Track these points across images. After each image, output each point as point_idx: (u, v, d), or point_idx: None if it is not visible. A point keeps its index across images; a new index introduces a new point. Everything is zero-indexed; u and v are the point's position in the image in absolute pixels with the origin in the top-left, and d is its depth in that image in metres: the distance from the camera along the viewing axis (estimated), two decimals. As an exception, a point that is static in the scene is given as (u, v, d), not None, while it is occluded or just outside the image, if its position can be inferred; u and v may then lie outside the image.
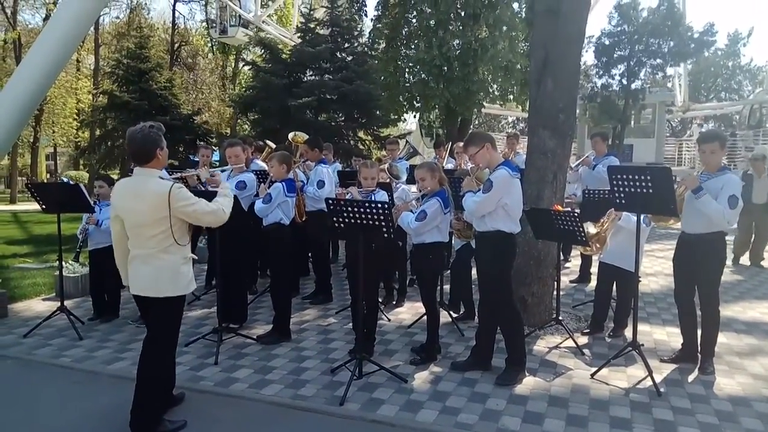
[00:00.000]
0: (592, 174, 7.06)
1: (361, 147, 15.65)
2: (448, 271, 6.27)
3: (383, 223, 4.03)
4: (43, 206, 5.47)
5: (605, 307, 5.40)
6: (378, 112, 15.45)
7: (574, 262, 8.07)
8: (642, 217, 4.83)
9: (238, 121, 28.37)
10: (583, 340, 5.15)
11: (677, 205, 4.30)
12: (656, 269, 8.47)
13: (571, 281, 7.39)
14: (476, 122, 22.07)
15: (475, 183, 4.28)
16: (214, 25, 25.50)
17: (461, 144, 8.22)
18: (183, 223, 3.37)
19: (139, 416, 3.31)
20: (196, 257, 3.57)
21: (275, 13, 25.90)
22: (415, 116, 17.23)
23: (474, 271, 5.21)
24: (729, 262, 7.67)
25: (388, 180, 6.04)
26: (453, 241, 5.72)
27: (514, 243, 4.26)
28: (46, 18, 27.81)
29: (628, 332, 5.03)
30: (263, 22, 23.68)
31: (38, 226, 13.83)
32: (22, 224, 14.78)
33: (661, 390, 4.03)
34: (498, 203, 4.08)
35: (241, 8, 24.18)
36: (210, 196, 4.93)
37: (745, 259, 9.00)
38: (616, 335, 5.19)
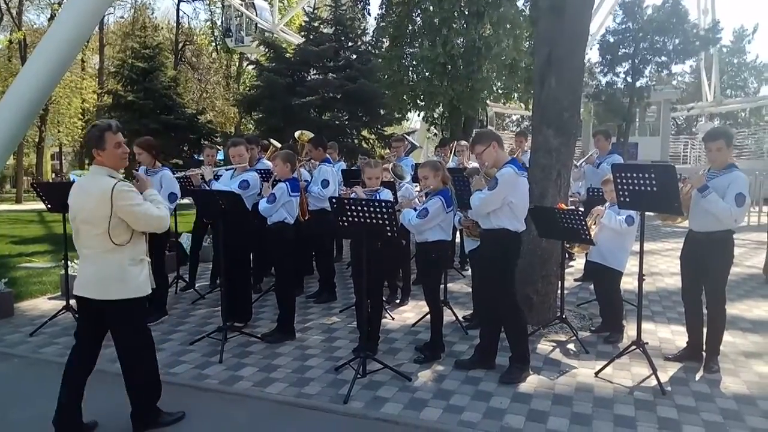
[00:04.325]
0: (596, 172, 7.04)
1: (365, 145, 15.67)
2: (452, 270, 6.27)
3: (386, 222, 4.04)
4: (49, 206, 5.50)
5: None
6: (382, 111, 15.46)
7: (579, 261, 8.05)
8: (625, 216, 4.84)
9: (243, 120, 28.43)
10: (587, 338, 5.15)
11: (684, 203, 4.30)
12: (661, 267, 8.45)
13: (575, 279, 7.38)
14: (485, 120, 21.96)
15: (485, 182, 4.28)
16: (230, 34, 25.49)
17: (463, 142, 8.24)
18: (122, 223, 3.20)
19: (139, 414, 3.42)
20: (149, 259, 3.43)
21: (279, 12, 25.88)
22: (419, 115, 17.21)
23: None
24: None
25: (392, 179, 6.04)
26: (465, 243, 5.70)
27: (518, 241, 4.26)
28: (51, 18, 27.92)
29: (631, 331, 5.00)
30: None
31: (45, 226, 13.90)
32: (27, 224, 14.85)
33: (666, 388, 4.02)
34: (503, 201, 4.08)
35: (257, 17, 24.16)
36: (219, 194, 4.99)
37: None
38: (612, 340, 5.05)
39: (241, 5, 24.52)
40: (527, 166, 5.72)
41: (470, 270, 6.05)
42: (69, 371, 3.35)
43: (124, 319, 3.29)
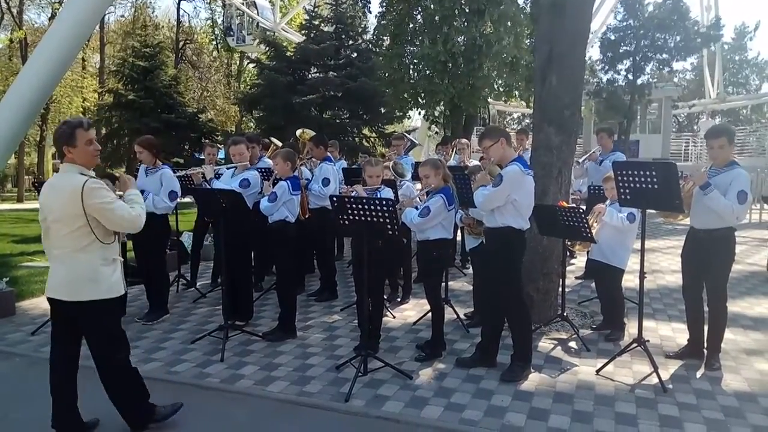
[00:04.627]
0: (599, 169, 7.03)
1: (366, 144, 15.66)
2: (453, 268, 6.25)
3: (387, 220, 4.04)
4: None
5: None
6: (382, 109, 15.44)
7: (580, 259, 8.04)
8: (626, 213, 4.84)
9: (243, 118, 28.42)
10: (588, 336, 5.15)
11: (685, 200, 4.29)
12: (662, 265, 8.44)
13: (576, 277, 7.38)
14: (487, 118, 21.94)
15: (489, 178, 4.27)
16: (232, 33, 25.49)
17: (464, 140, 8.25)
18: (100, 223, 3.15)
19: (130, 415, 3.37)
20: (121, 258, 3.35)
21: (280, 10, 25.83)
22: (420, 113, 17.19)
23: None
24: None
25: (392, 177, 6.04)
26: (466, 241, 5.70)
27: (523, 239, 4.25)
28: (52, 17, 27.91)
29: (632, 329, 5.00)
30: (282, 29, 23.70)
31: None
32: (29, 223, 14.86)
33: (667, 386, 4.03)
34: (507, 198, 4.07)
35: (259, 16, 24.13)
36: (219, 193, 4.99)
37: None
38: (613, 338, 5.04)
39: (243, 4, 24.50)
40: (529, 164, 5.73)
41: (471, 268, 6.04)
42: (54, 375, 3.27)
43: (98, 321, 3.19)
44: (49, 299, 3.23)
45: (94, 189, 3.06)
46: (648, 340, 4.36)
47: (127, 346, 3.39)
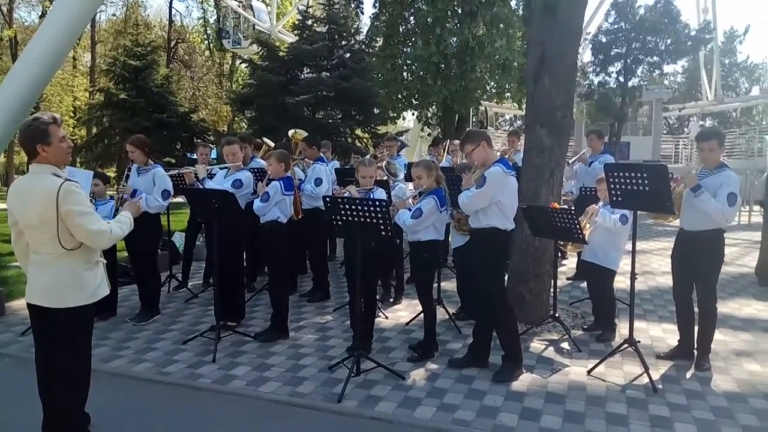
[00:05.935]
0: (588, 171, 7.08)
1: (359, 144, 15.64)
2: (445, 268, 6.26)
3: (381, 221, 4.04)
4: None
5: None
6: (376, 110, 15.45)
7: (571, 260, 8.08)
8: (619, 215, 4.88)
9: (236, 118, 28.33)
10: (580, 336, 5.17)
11: (676, 202, 4.33)
12: (653, 266, 8.49)
13: (568, 278, 7.41)
14: (474, 119, 22.00)
15: (473, 181, 4.30)
16: (227, 35, 25.44)
17: (456, 141, 8.28)
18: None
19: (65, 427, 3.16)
20: (104, 260, 3.22)
21: (277, 13, 25.78)
22: (413, 114, 17.21)
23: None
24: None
25: (385, 178, 6.05)
26: (452, 239, 5.71)
27: (507, 240, 4.28)
28: (43, 15, 27.71)
29: (623, 330, 5.03)
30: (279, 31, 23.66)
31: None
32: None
33: (658, 386, 4.06)
34: (491, 200, 4.09)
35: (255, 18, 24.07)
36: (212, 193, 4.98)
37: None
38: (605, 338, 5.06)
39: (239, 6, 24.43)
40: (520, 165, 5.76)
41: (454, 264, 6.02)
42: (40, 376, 3.16)
43: (76, 326, 3.06)
44: (29, 305, 3.09)
45: (72, 192, 2.88)
46: (639, 341, 4.39)
47: (90, 366, 3.26)
